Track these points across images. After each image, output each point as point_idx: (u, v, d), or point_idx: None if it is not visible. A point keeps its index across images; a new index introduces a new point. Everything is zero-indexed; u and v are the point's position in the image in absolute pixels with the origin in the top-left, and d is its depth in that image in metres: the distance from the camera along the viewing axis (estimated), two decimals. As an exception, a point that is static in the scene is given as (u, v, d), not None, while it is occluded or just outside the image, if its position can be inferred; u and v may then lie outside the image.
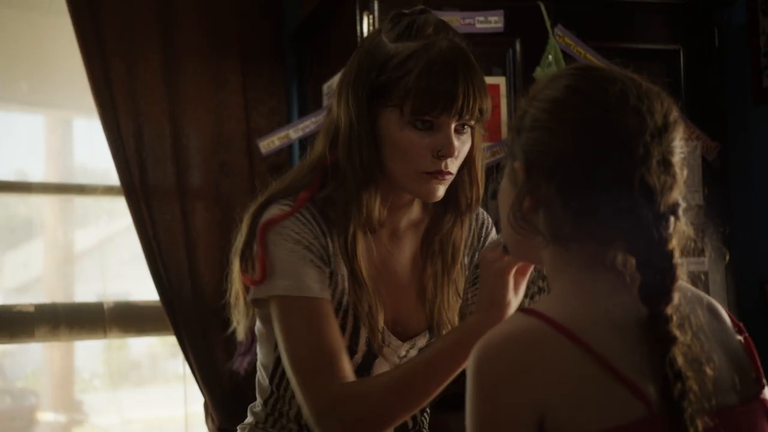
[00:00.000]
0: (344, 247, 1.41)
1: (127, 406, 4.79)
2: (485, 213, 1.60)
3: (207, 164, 2.88)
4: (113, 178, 2.85)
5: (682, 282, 1.05)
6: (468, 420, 1.02)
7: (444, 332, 1.46)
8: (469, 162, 1.45)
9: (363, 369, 1.46)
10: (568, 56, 2.69)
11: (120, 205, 2.86)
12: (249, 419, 1.57)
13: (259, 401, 1.55)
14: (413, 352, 1.48)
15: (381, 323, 1.42)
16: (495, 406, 0.99)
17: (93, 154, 3.30)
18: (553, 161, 1.06)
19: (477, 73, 1.39)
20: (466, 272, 1.54)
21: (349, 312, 1.43)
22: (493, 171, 2.63)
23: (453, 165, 1.40)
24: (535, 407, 0.98)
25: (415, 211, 1.50)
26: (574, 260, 1.07)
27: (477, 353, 1.02)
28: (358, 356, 1.44)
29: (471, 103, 1.36)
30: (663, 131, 1.04)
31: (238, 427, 1.60)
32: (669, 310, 1.01)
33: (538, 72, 2.69)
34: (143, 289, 3.07)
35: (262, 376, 1.53)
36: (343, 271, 1.43)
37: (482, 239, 1.57)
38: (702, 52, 2.79)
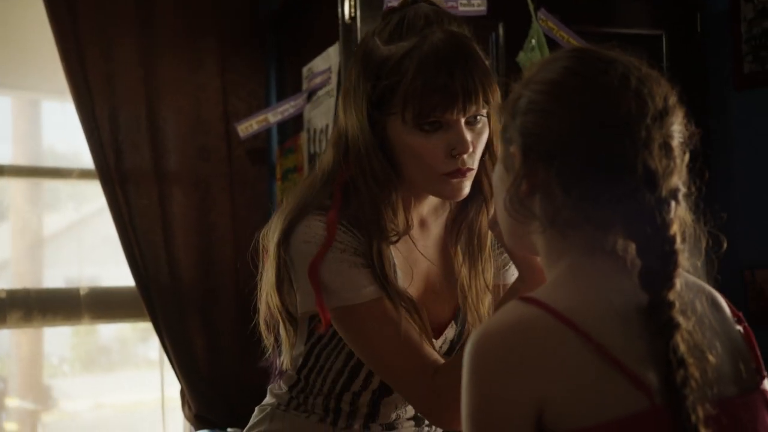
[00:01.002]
0: (371, 261, 1.35)
1: (98, 391, 4.74)
2: None
3: (184, 148, 2.84)
4: (83, 161, 2.79)
5: (683, 271, 1.03)
6: (464, 411, 1.00)
7: (473, 326, 1.42)
8: (489, 147, 1.40)
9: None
10: (551, 40, 2.67)
11: (90, 189, 2.81)
12: (269, 400, 1.53)
13: (282, 385, 1.51)
14: (445, 347, 1.45)
15: (428, 330, 1.38)
16: (493, 397, 0.97)
17: (63, 137, 3.24)
18: (551, 144, 1.03)
19: (476, 61, 1.32)
20: (496, 261, 1.50)
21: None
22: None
23: (472, 159, 1.35)
24: (534, 398, 0.96)
25: (442, 209, 1.46)
26: (571, 246, 1.05)
27: (475, 343, 0.99)
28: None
29: (473, 95, 1.30)
30: (664, 114, 1.02)
31: (257, 408, 1.55)
32: (671, 296, 0.99)
33: (521, 56, 2.67)
34: (114, 274, 3.02)
35: (288, 366, 1.49)
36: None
37: None
38: (684, 37, 2.79)
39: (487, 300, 1.43)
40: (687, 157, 1.05)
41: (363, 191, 1.36)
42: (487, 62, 1.36)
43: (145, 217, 2.76)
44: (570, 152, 1.02)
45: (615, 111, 1.01)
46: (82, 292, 2.84)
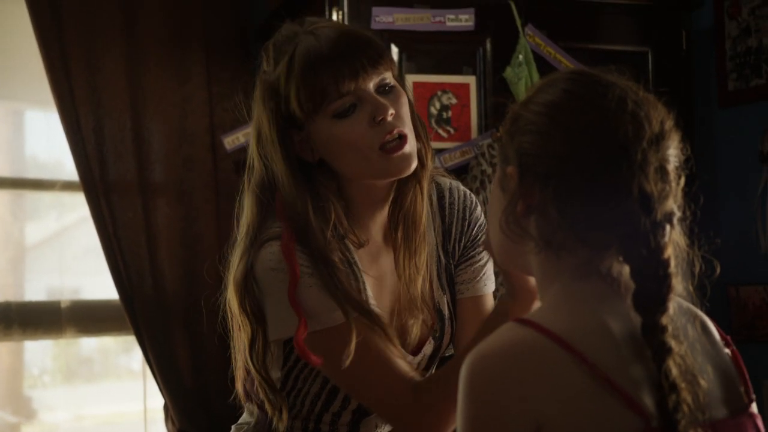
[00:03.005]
0: (340, 286, 1.34)
1: (79, 403, 4.69)
2: (468, 194, 1.52)
3: (170, 159, 2.82)
4: (67, 171, 2.77)
5: (675, 295, 1.04)
6: (460, 430, 0.99)
7: (415, 307, 1.41)
8: (414, 122, 1.37)
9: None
10: (538, 56, 2.68)
11: (72, 200, 2.79)
12: (247, 418, 1.51)
13: (256, 409, 1.48)
14: (423, 362, 1.44)
15: (399, 346, 1.37)
16: (489, 418, 0.97)
17: (46, 146, 3.21)
18: (548, 166, 1.04)
19: (349, 33, 1.33)
20: (454, 253, 1.48)
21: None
22: (465, 171, 2.64)
23: (400, 122, 1.32)
24: (530, 420, 0.96)
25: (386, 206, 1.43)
26: (566, 268, 1.05)
27: (470, 364, 0.99)
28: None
29: (358, 58, 1.30)
30: (660, 138, 1.03)
31: (233, 426, 1.54)
32: (664, 320, 0.99)
33: (509, 71, 2.68)
34: (96, 285, 3.00)
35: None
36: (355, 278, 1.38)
37: (467, 220, 1.49)
38: (670, 54, 2.81)
39: (419, 281, 1.41)
40: (682, 181, 1.05)
41: (311, 228, 1.33)
42: (368, 33, 1.37)
43: (130, 229, 2.74)
44: (567, 174, 1.03)
45: (612, 134, 1.02)
46: (63, 305, 2.81)
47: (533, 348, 0.98)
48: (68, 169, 2.84)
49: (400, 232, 1.41)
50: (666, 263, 1.01)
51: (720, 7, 2.82)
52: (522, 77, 2.67)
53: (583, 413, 0.96)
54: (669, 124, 1.05)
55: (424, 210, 1.43)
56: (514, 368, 0.97)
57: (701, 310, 1.09)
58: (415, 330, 1.43)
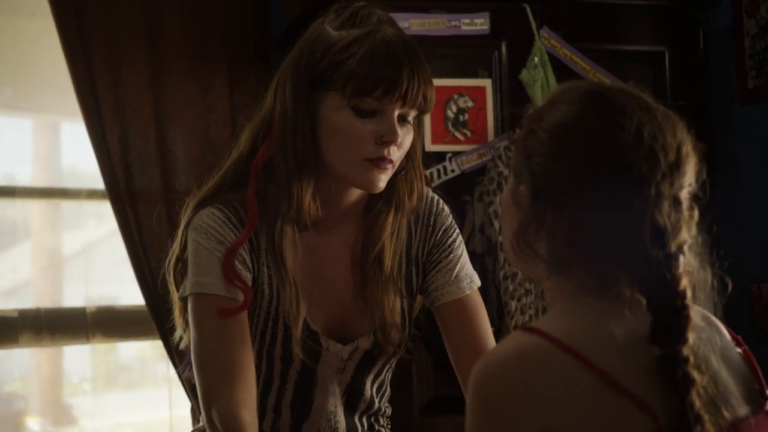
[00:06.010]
0: (271, 243, 1.38)
1: (116, 410, 4.77)
2: (435, 200, 1.53)
3: (193, 168, 2.87)
4: (101, 181, 2.84)
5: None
6: None
7: (380, 324, 1.42)
8: (411, 155, 1.42)
9: (306, 373, 1.43)
10: (554, 58, 2.69)
11: (107, 209, 2.85)
12: (200, 423, 1.50)
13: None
14: (357, 355, 1.45)
15: (300, 323, 1.38)
16: (498, 424, 0.97)
17: (81, 157, 3.29)
18: (561, 192, 1.03)
19: (422, 61, 1.36)
20: (418, 266, 1.50)
21: (279, 319, 1.40)
22: (482, 173, 2.65)
23: (396, 154, 1.36)
24: (538, 424, 0.96)
25: (354, 209, 1.46)
26: (575, 289, 1.05)
27: (478, 372, 1.00)
28: (296, 362, 1.42)
29: (415, 88, 1.33)
30: (675, 169, 1.02)
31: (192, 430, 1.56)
32: (685, 351, 0.99)
33: (524, 74, 2.70)
34: (130, 293, 3.06)
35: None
36: (271, 273, 1.40)
37: (431, 226, 1.51)
38: (687, 53, 2.80)
39: (382, 312, 1.42)
40: (696, 210, 1.04)
41: (280, 166, 1.37)
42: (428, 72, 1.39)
43: (155, 237, 2.80)
44: (578, 203, 1.03)
45: (627, 171, 1.01)
46: (88, 312, 2.87)
47: (539, 355, 0.98)
48: (99, 180, 2.90)
49: (374, 253, 1.43)
50: (683, 294, 1.00)
51: (738, 5, 2.80)
52: (538, 79, 2.68)
53: (592, 418, 0.96)
54: (686, 148, 1.03)
55: (391, 242, 1.44)
56: (520, 374, 0.97)
57: (723, 308, 1.09)
58: (352, 319, 1.44)
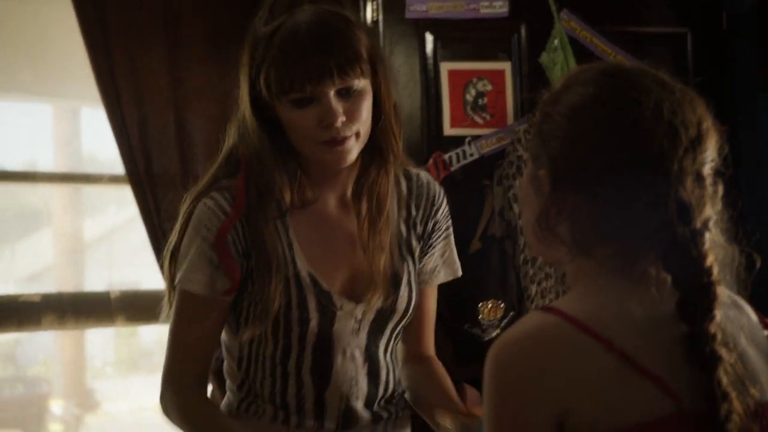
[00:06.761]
0: (279, 220, 1.46)
1: (139, 394, 4.82)
2: (437, 185, 1.60)
3: (212, 153, 2.87)
4: (120, 167, 2.85)
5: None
6: (486, 421, 0.99)
7: (385, 280, 1.48)
8: (381, 108, 1.46)
9: (323, 336, 1.46)
10: (574, 41, 2.67)
11: (126, 195, 2.87)
12: (225, 400, 1.58)
13: (231, 386, 1.55)
14: (370, 315, 1.49)
15: (275, 308, 1.44)
16: (515, 405, 0.97)
17: (101, 143, 3.31)
18: (580, 175, 1.02)
19: (337, 38, 1.38)
20: (418, 241, 1.55)
21: (291, 281, 1.44)
22: (501, 157, 2.64)
23: (348, 128, 1.40)
24: (556, 405, 0.95)
25: (348, 176, 1.50)
26: (597, 270, 1.04)
27: (495, 352, 0.99)
28: (313, 324, 1.45)
29: (332, 66, 1.36)
30: (697, 144, 1.00)
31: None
32: (712, 328, 0.98)
33: (544, 57, 2.68)
34: (151, 278, 3.07)
35: (229, 362, 1.54)
36: (282, 241, 1.46)
37: (434, 209, 1.57)
38: (710, 35, 2.77)
39: (383, 259, 1.48)
40: (720, 186, 1.03)
41: (259, 165, 1.44)
42: (361, 36, 1.42)
43: (175, 221, 2.81)
44: (599, 184, 1.01)
45: (647, 147, 0.99)
46: (113, 296, 2.89)
47: (557, 334, 0.97)
48: (118, 166, 2.92)
49: (364, 210, 1.49)
50: (709, 271, 0.99)
51: (762, -15, 2.76)
52: (558, 62, 2.66)
53: (610, 397, 0.95)
54: (706, 124, 1.02)
55: (389, 193, 1.50)
56: (538, 354, 0.97)
57: (750, 286, 1.08)
58: (358, 282, 1.49)
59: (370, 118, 1.44)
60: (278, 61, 1.38)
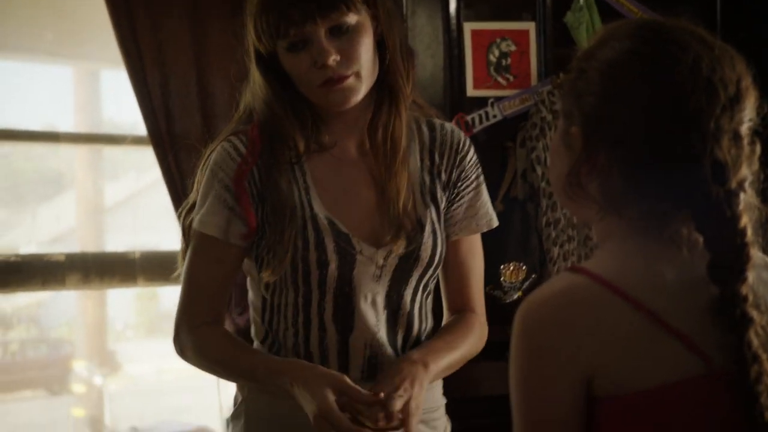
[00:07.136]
0: (296, 165, 1.47)
1: (160, 356, 4.87)
2: (462, 134, 1.57)
3: (233, 112, 2.87)
4: (142, 129, 2.85)
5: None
6: (512, 379, 0.99)
7: (406, 224, 1.48)
8: (386, 44, 1.46)
9: (343, 280, 1.47)
10: (599, 0, 2.64)
11: (150, 157, 2.87)
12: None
13: (256, 342, 1.56)
14: (393, 262, 1.48)
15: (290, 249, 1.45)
16: (542, 364, 0.97)
17: (121, 105, 3.31)
18: (614, 131, 1.00)
19: None
20: (444, 190, 1.53)
21: (308, 224, 1.45)
22: (524, 118, 2.62)
23: (345, 67, 1.40)
24: (585, 366, 0.95)
25: (362, 117, 1.51)
26: (628, 230, 1.03)
27: (524, 313, 0.98)
28: (333, 267, 1.45)
29: (312, 8, 1.37)
30: (735, 102, 0.98)
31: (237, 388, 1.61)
32: (744, 290, 0.97)
33: (569, 16, 2.65)
34: (174, 240, 3.09)
35: (254, 316, 1.55)
36: (300, 185, 1.48)
37: (459, 157, 1.55)
38: (738, -6, 2.72)
39: (401, 201, 1.47)
40: (758, 145, 1.01)
41: (266, 117, 1.48)
42: None
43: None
44: (633, 141, 1.00)
45: (684, 104, 0.97)
46: (136, 256, 2.91)
47: (585, 294, 0.97)
48: (142, 128, 2.92)
49: (380, 153, 1.49)
50: (743, 232, 0.98)
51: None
52: (583, 22, 2.63)
53: (639, 358, 0.95)
54: (746, 82, 1.00)
55: (404, 134, 1.49)
56: (566, 314, 0.96)
57: None
58: (378, 226, 1.49)
59: (372, 57, 1.44)
60: (261, 9, 1.40)
